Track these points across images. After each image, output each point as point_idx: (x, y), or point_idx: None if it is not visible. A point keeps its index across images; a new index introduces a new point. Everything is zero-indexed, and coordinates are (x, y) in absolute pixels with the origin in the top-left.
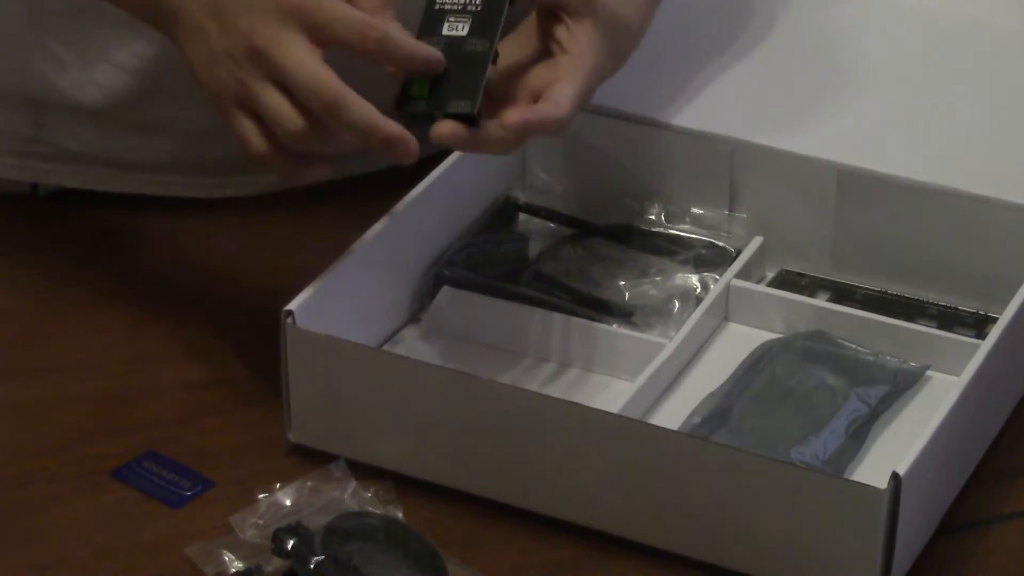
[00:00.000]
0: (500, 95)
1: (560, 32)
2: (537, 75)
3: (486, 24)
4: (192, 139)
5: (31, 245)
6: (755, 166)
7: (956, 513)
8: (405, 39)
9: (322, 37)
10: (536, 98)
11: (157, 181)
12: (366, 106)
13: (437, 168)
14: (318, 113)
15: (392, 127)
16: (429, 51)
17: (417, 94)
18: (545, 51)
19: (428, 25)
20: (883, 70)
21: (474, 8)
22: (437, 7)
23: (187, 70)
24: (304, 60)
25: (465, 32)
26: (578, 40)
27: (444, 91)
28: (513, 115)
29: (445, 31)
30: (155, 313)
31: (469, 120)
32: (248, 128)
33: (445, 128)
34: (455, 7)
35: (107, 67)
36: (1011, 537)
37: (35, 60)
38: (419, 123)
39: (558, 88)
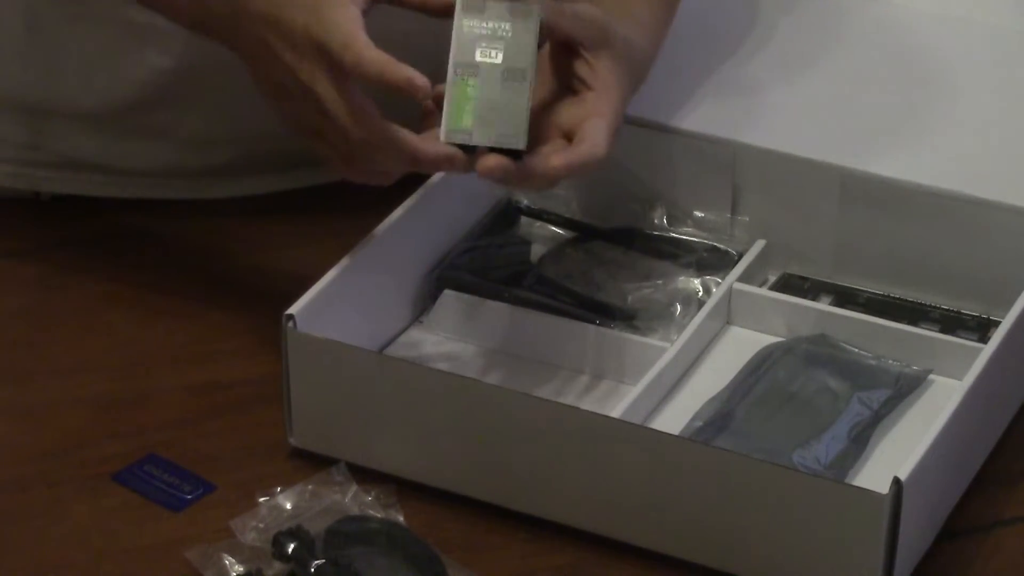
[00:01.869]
0: (530, 134)
1: (581, 68)
2: (566, 113)
3: (520, 52)
4: (193, 145)
5: (33, 248)
6: (757, 169)
7: (958, 518)
8: (376, 58)
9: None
10: (567, 135)
11: (157, 184)
12: (405, 138)
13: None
14: (362, 148)
15: (434, 152)
16: (405, 72)
17: (459, 126)
18: (566, 87)
19: (460, 51)
20: (885, 73)
21: (505, 34)
22: (466, 30)
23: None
24: (338, 102)
25: (500, 60)
26: (600, 75)
27: (489, 121)
28: (557, 160)
29: (479, 57)
30: (156, 317)
31: (515, 154)
32: (323, 151)
33: (492, 161)
34: (485, 32)
35: (107, 75)
36: (1013, 542)
37: (34, 68)
38: (463, 151)
39: (593, 126)
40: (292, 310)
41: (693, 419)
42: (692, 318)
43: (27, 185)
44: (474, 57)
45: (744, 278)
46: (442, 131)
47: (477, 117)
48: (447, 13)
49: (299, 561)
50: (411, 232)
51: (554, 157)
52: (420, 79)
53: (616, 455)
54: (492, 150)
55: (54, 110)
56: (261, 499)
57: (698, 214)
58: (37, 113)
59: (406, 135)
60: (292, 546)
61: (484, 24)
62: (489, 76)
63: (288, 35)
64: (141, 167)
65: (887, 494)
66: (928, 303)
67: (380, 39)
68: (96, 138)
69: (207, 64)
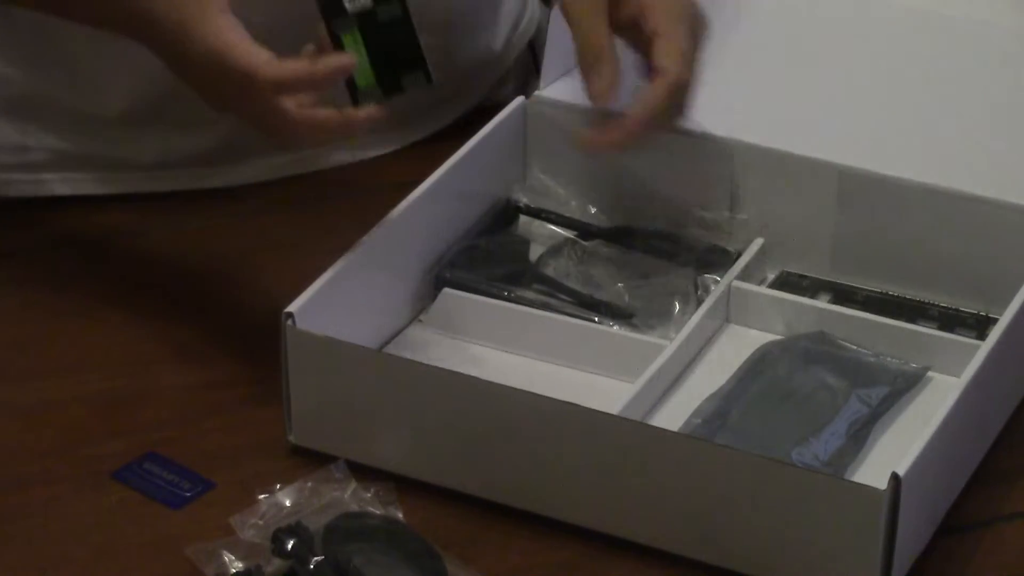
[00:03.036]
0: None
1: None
2: (632, 34)
3: None
4: (179, 130)
5: (33, 247)
6: (756, 168)
7: (956, 514)
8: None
9: None
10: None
11: (148, 177)
12: (293, 68)
13: (438, 170)
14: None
15: (363, 117)
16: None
17: (366, 83)
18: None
19: (328, 7)
20: (884, 71)
21: None
22: None
23: None
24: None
25: (370, 2)
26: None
27: (390, 69)
28: (633, 120)
29: (350, 8)
30: (156, 315)
31: (428, 82)
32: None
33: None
34: None
35: (89, 65)
36: (1012, 538)
37: (16, 65)
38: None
39: (659, 50)
40: (291, 308)
41: (692, 416)
42: (691, 316)
43: (16, 193)
44: (345, 9)
45: (743, 276)
46: (355, 98)
47: (375, 70)
48: None
49: (298, 558)
50: (410, 230)
51: (629, 120)
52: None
53: (615, 452)
54: (404, 91)
55: (41, 107)
56: (261, 496)
57: (697, 213)
58: (23, 112)
59: (287, 67)
60: (291, 543)
61: None
62: (366, 22)
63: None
64: (131, 158)
65: (885, 490)
66: (927, 301)
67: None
68: (85, 131)
69: None
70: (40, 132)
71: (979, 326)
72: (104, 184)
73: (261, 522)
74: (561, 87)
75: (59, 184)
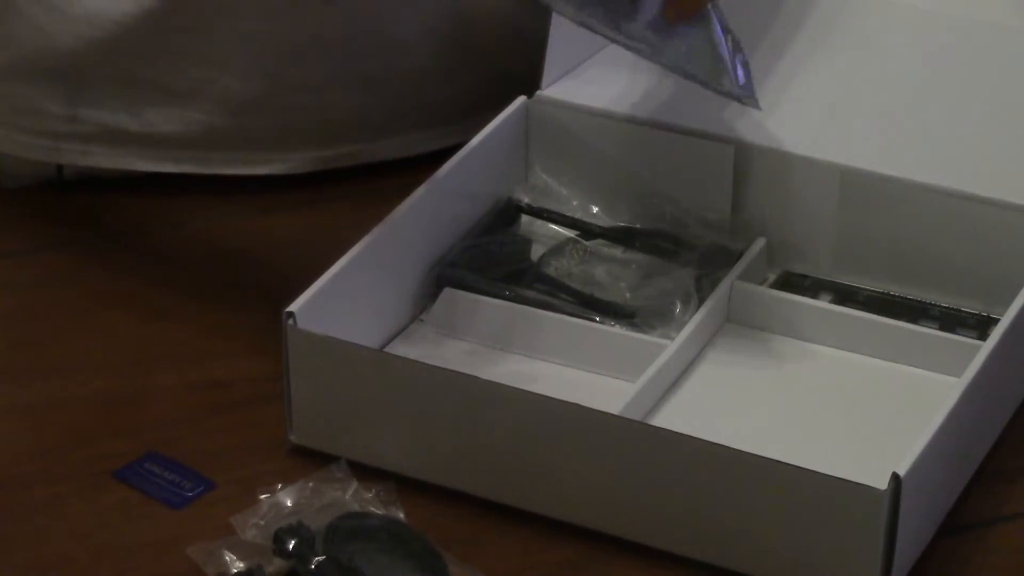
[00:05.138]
0: None
1: None
2: None
3: None
4: (230, 107)
5: (33, 247)
6: (758, 167)
7: (957, 514)
8: None
9: None
10: None
11: (194, 157)
12: None
13: (440, 169)
14: None
15: None
16: None
17: None
18: None
19: None
20: (886, 70)
21: None
22: None
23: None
24: None
25: None
26: None
27: None
28: None
29: None
30: (157, 314)
31: None
32: None
33: None
34: None
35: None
36: (1013, 538)
37: (65, 32)
38: None
39: None
40: (292, 307)
41: None
42: (691, 316)
43: (65, 160)
44: None
45: (744, 276)
46: None
47: None
48: None
49: (300, 557)
50: (411, 230)
51: None
52: None
53: (616, 451)
54: None
55: (91, 77)
56: (262, 496)
57: (698, 212)
58: (72, 80)
59: None
60: (293, 542)
61: None
62: None
63: None
64: (178, 134)
65: (886, 490)
66: (928, 301)
67: None
68: (131, 102)
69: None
70: (89, 104)
71: (980, 326)
72: (147, 161)
73: (262, 522)
74: (563, 87)
75: (102, 157)
